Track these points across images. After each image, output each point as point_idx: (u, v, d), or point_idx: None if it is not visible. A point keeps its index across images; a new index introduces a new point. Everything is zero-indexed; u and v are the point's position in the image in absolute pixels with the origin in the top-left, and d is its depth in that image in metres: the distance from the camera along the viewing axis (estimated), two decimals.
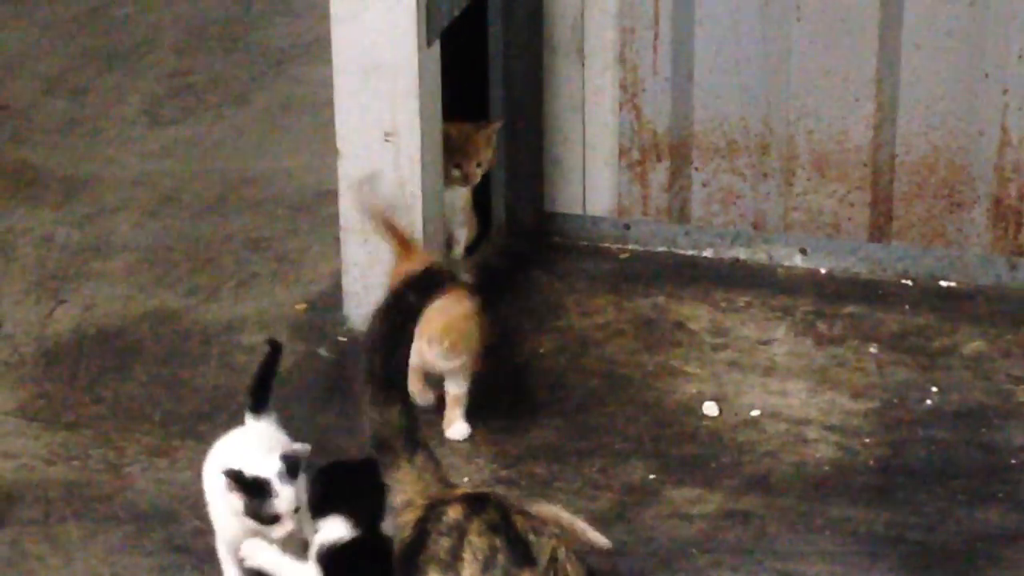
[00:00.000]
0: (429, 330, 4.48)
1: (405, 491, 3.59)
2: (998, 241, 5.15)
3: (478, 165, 5.02)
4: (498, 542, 3.48)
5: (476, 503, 3.52)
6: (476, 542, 3.49)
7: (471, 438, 4.75)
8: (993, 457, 4.60)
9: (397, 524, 3.59)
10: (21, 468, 4.57)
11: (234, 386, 4.86)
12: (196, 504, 4.39)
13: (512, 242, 5.39)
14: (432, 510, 3.52)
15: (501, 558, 3.44)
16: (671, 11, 5.19)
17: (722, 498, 4.47)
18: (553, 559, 3.48)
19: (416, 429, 3.57)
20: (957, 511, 4.34)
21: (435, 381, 4.91)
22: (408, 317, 3.63)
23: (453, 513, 3.48)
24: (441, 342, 4.57)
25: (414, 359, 4.32)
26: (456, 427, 4.72)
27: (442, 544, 3.50)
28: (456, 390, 4.70)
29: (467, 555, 3.48)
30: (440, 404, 4.87)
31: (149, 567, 4.27)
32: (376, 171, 4.91)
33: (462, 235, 5.18)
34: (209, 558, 4.24)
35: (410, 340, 3.67)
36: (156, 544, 4.33)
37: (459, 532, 3.50)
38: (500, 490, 4.28)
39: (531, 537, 3.53)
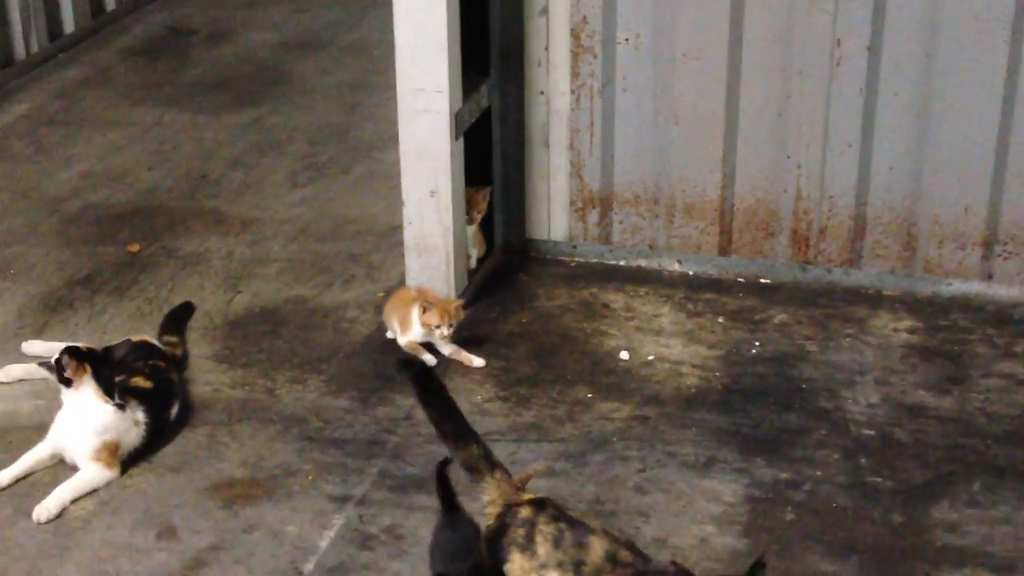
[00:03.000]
0: (428, 307, 4.69)
1: (490, 494, 3.41)
2: (794, 255, 5.33)
3: (478, 212, 5.19)
4: (562, 526, 3.30)
5: (539, 504, 3.38)
6: (545, 529, 3.30)
7: (480, 369, 4.77)
8: (792, 384, 4.69)
9: (484, 514, 3.41)
10: (214, 391, 4.69)
11: (340, 342, 4.97)
12: (319, 411, 4.53)
13: (505, 256, 5.53)
14: (508, 509, 3.36)
15: (567, 536, 3.27)
16: (600, 120, 5.30)
17: (631, 408, 4.55)
18: (605, 532, 3.32)
19: (491, 454, 3.47)
20: (771, 416, 4.49)
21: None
22: (435, 399, 3.48)
23: (524, 512, 3.34)
24: (436, 314, 4.67)
25: (418, 337, 4.74)
26: (477, 359, 4.75)
27: (519, 533, 3.31)
28: (448, 349, 4.77)
29: (539, 539, 3.29)
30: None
31: (290, 450, 4.36)
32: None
33: (474, 252, 5.31)
34: (329, 445, 4.36)
35: (444, 409, 3.49)
36: (294, 436, 4.42)
37: (530, 524, 3.31)
38: (496, 406, 4.57)
39: (584, 521, 3.36)
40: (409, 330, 4.78)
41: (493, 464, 3.43)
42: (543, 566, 3.24)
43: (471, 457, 3.43)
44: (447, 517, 3.48)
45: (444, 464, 3.51)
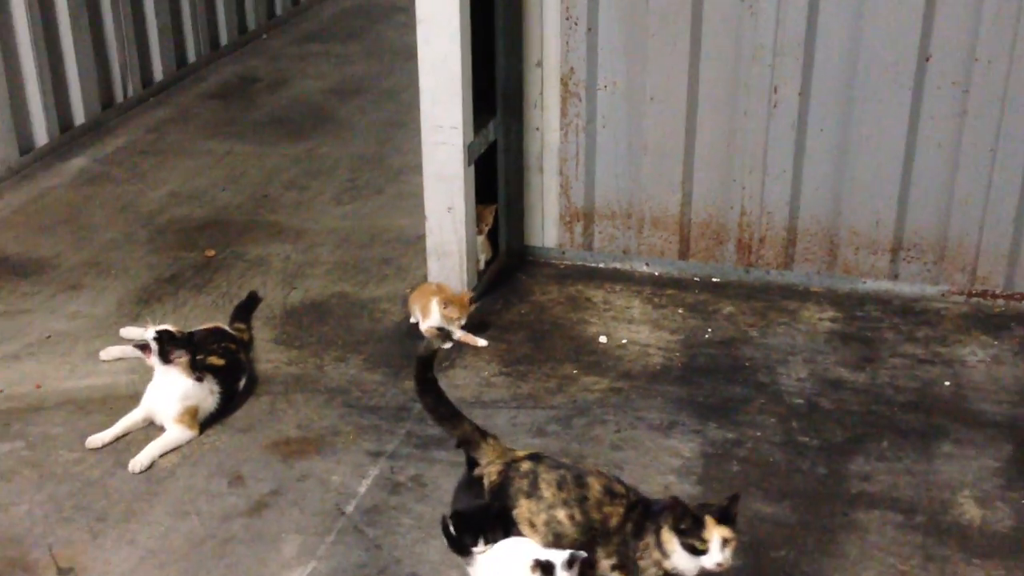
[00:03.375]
0: (448, 304, 4.70)
1: (488, 456, 3.32)
2: (739, 260, 5.32)
3: (486, 225, 5.19)
4: (562, 471, 3.22)
5: (536, 457, 3.30)
6: (546, 476, 3.21)
7: (487, 350, 4.76)
8: (737, 362, 4.67)
9: (485, 473, 3.30)
10: (274, 367, 4.70)
11: (375, 328, 4.98)
12: (358, 383, 4.53)
13: (509, 260, 5.49)
14: (510, 464, 3.27)
15: (568, 478, 3.20)
16: (584, 151, 5.30)
17: (608, 381, 4.55)
18: (598, 471, 3.27)
19: (480, 428, 3.39)
20: (722, 388, 4.48)
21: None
22: (429, 389, 3.42)
23: (524, 465, 3.26)
24: (456, 309, 4.70)
25: (436, 323, 4.73)
26: (480, 340, 4.75)
27: (523, 482, 3.22)
28: (459, 334, 4.76)
29: (543, 484, 3.20)
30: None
31: (335, 415, 4.33)
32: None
33: (483, 256, 5.27)
34: (366, 411, 4.36)
35: (437, 398, 3.41)
36: (339, 404, 4.43)
37: (532, 473, 3.22)
38: (500, 379, 4.56)
39: (578, 465, 3.35)
40: (429, 317, 4.77)
41: (484, 433, 3.37)
42: (550, 507, 3.17)
43: (464, 432, 3.38)
44: (469, 475, 3.44)
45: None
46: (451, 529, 3.20)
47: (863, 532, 3.65)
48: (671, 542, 3.05)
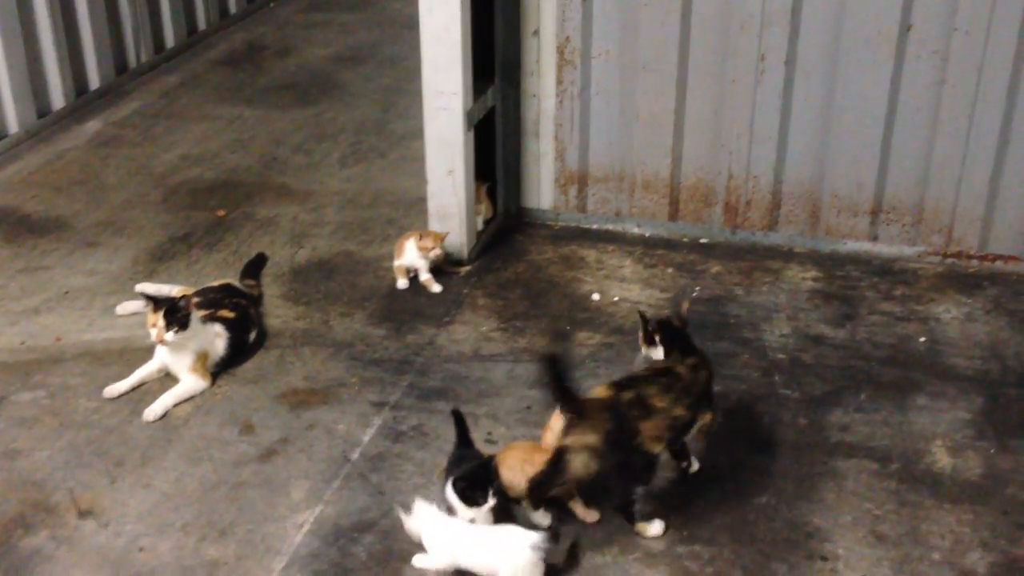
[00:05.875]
0: (424, 235, 4.75)
1: (592, 417, 3.23)
2: (726, 221, 5.32)
3: (479, 202, 5.16)
4: (654, 385, 3.30)
5: (619, 384, 3.30)
6: (649, 391, 3.27)
7: (485, 307, 4.75)
8: (723, 319, 4.65)
9: (595, 425, 3.21)
10: (283, 322, 4.70)
11: (378, 285, 4.97)
12: (363, 338, 4.52)
13: (506, 221, 5.51)
14: (614, 405, 3.23)
15: (663, 381, 3.31)
16: (579, 117, 5.26)
17: (601, 337, 4.55)
18: (661, 362, 3.48)
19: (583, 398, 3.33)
20: (708, 343, 4.36)
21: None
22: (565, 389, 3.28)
23: (626, 395, 3.26)
24: (431, 240, 4.75)
25: (407, 262, 4.80)
26: (436, 286, 4.80)
27: (634, 412, 3.23)
28: (424, 276, 4.83)
29: (653, 400, 3.26)
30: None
31: (340, 367, 4.36)
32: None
33: (480, 219, 5.25)
34: (370, 364, 4.35)
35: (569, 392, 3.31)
36: (344, 357, 4.43)
37: (638, 398, 3.25)
38: (498, 334, 4.52)
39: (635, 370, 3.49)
40: (401, 256, 4.83)
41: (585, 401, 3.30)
42: (669, 411, 3.28)
43: (577, 405, 3.26)
44: (459, 448, 3.47)
45: (457, 411, 3.51)
46: (462, 493, 3.25)
47: (841, 479, 3.67)
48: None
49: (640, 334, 3.64)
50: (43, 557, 3.37)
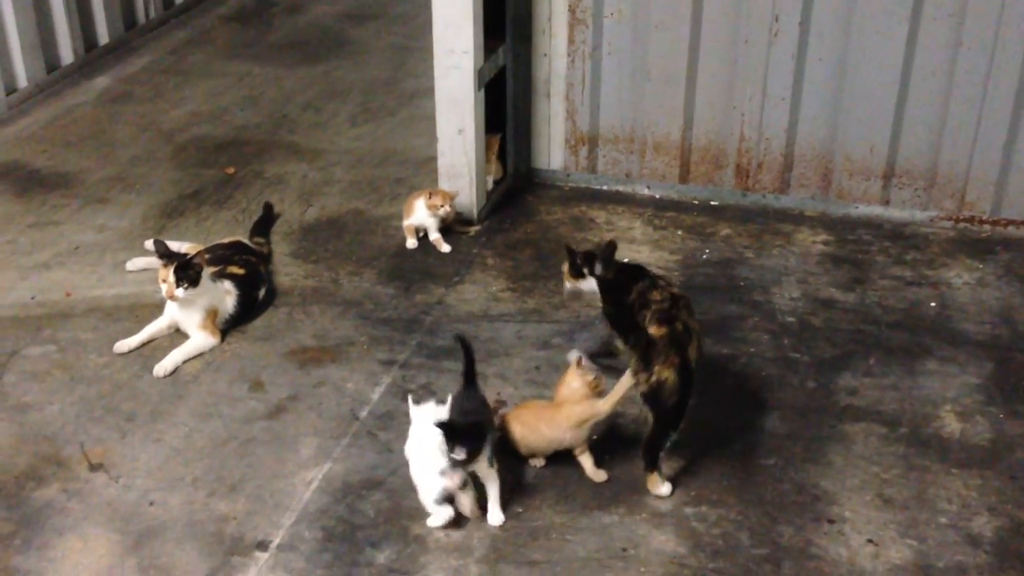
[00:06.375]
0: (433, 193, 4.75)
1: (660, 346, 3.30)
2: (737, 184, 5.29)
3: (492, 154, 5.15)
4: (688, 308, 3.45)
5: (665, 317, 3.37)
6: (685, 316, 3.38)
7: (495, 267, 4.75)
8: (733, 282, 4.58)
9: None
10: (292, 280, 4.70)
11: (388, 244, 4.97)
12: (372, 296, 4.53)
13: (516, 181, 5.50)
14: (671, 329, 3.30)
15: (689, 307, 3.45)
16: (590, 77, 5.23)
17: None
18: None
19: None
20: (716, 305, 4.45)
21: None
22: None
23: (677, 326, 3.33)
24: (440, 197, 4.75)
25: (416, 221, 4.80)
26: (445, 246, 4.80)
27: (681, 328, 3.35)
28: (434, 235, 4.83)
29: (689, 320, 3.38)
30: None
31: (349, 325, 4.36)
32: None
33: (490, 179, 5.22)
34: (379, 323, 4.36)
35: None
36: (353, 315, 4.44)
37: (684, 324, 3.35)
38: (507, 295, 4.52)
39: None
40: (411, 216, 4.83)
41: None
42: (700, 330, 3.41)
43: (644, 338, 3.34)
44: (465, 389, 3.41)
45: (462, 338, 3.46)
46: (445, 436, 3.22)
47: (849, 443, 3.67)
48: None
49: (565, 267, 3.71)
50: (55, 510, 3.40)
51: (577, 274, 3.68)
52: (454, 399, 3.39)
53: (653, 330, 3.32)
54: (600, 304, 3.63)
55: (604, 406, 3.41)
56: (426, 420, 3.29)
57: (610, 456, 3.57)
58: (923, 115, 4.87)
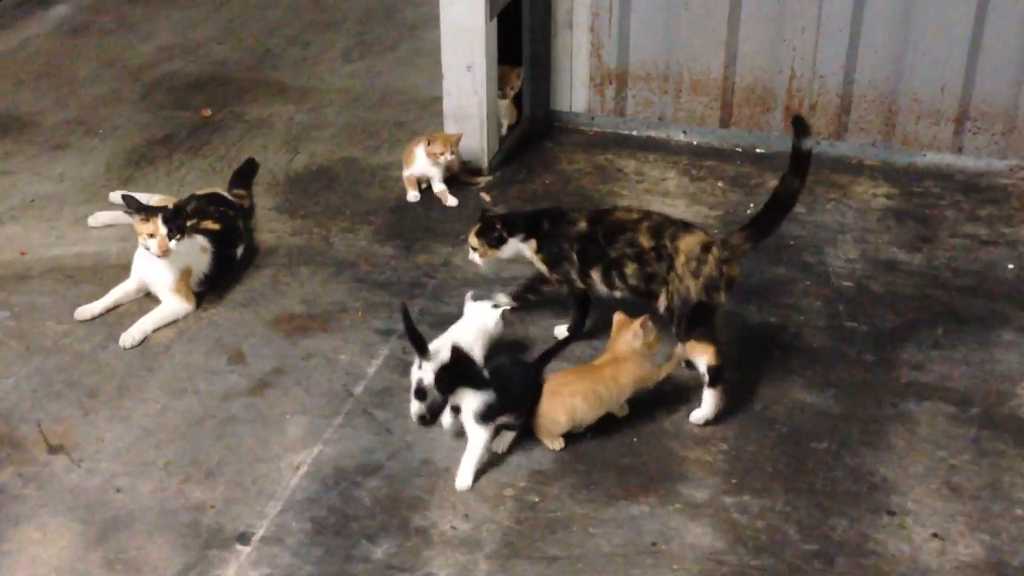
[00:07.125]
0: (432, 140, 4.76)
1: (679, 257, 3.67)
2: (787, 128, 5.21)
3: (511, 88, 5.20)
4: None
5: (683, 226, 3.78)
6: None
7: None
8: (781, 241, 4.53)
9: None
10: (277, 238, 4.74)
11: (386, 197, 4.98)
12: (368, 256, 4.53)
13: (533, 125, 5.55)
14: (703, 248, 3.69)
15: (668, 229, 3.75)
16: (618, 5, 5.27)
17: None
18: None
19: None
20: (763, 268, 4.45)
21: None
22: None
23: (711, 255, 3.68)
24: (440, 144, 4.74)
25: (417, 171, 4.81)
26: (451, 199, 4.83)
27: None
28: (439, 187, 4.84)
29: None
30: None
31: (342, 290, 4.38)
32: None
33: (505, 121, 5.29)
34: (376, 287, 4.36)
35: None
36: (346, 278, 4.45)
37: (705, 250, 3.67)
38: None
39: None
40: (411, 165, 4.85)
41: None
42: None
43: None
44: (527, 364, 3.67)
45: (405, 309, 3.60)
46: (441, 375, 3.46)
47: (912, 424, 3.67)
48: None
49: (473, 237, 3.88)
50: (9, 496, 3.42)
51: (497, 243, 3.87)
52: (509, 364, 3.61)
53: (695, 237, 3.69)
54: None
55: (663, 371, 3.66)
56: (472, 315, 3.77)
57: (639, 440, 3.59)
58: (1002, 50, 4.86)
